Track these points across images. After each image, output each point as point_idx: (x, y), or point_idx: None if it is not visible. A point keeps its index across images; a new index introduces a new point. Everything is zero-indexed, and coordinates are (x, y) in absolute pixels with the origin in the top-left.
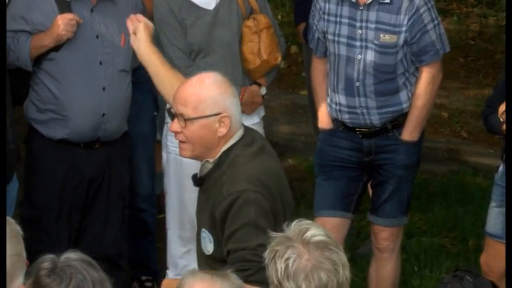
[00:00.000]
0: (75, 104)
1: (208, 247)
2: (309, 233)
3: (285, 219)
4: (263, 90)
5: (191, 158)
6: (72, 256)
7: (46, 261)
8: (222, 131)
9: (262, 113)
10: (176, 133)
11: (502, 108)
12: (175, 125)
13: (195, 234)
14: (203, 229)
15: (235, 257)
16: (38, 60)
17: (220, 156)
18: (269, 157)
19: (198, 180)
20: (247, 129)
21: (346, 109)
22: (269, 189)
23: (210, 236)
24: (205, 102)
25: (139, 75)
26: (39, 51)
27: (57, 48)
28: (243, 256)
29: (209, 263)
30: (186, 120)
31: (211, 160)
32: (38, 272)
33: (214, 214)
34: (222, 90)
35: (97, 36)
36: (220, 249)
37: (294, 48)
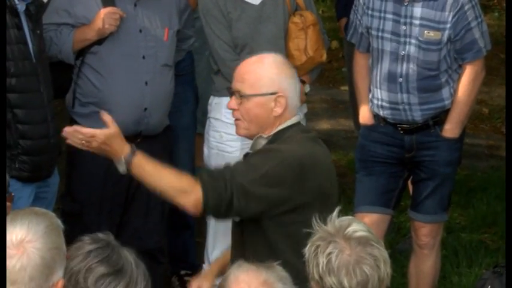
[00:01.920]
0: (117, 97)
1: None
2: (350, 229)
3: (318, 210)
4: (307, 88)
5: (246, 136)
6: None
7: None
8: (278, 110)
9: (305, 110)
10: (233, 110)
11: None
12: (232, 102)
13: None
14: None
15: (223, 171)
16: (81, 53)
17: (275, 134)
18: (320, 148)
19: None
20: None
21: (388, 105)
22: (304, 171)
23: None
24: (262, 81)
25: (180, 68)
26: (82, 44)
27: (100, 41)
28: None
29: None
30: (242, 97)
31: (265, 136)
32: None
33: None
34: (280, 70)
35: (140, 31)
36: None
37: (334, 44)
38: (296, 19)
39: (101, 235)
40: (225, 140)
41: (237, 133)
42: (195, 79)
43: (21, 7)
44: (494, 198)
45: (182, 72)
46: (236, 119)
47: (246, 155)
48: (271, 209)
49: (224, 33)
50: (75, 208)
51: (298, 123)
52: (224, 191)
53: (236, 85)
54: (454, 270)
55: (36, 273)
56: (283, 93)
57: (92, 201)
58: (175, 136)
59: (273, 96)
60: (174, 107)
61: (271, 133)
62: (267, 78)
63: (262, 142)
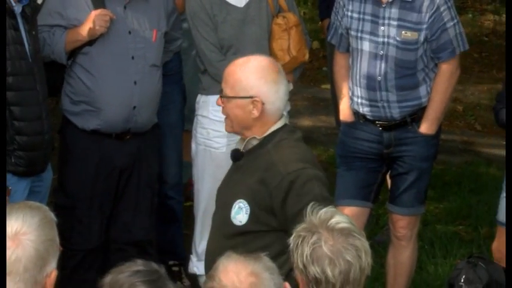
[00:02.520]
0: (108, 96)
1: (242, 218)
2: (333, 220)
3: None
4: (290, 86)
5: (232, 133)
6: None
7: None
8: (255, 113)
9: (288, 108)
10: (222, 108)
11: None
12: (219, 100)
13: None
14: (240, 200)
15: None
16: (73, 53)
17: (266, 136)
18: (306, 146)
19: (237, 154)
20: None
21: (367, 102)
22: (320, 169)
23: (248, 207)
24: (241, 84)
25: (168, 68)
26: (74, 45)
27: (90, 42)
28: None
29: (229, 237)
30: (223, 97)
31: (258, 137)
32: None
33: (267, 191)
34: (260, 75)
35: (129, 32)
36: (257, 225)
37: (315, 44)
38: (279, 20)
39: (154, 264)
40: (212, 137)
41: (225, 129)
42: (183, 79)
43: (17, 9)
44: (468, 191)
45: (170, 72)
46: (225, 117)
47: (233, 151)
48: None
49: (210, 35)
50: (68, 202)
51: (285, 126)
52: None
53: (222, 85)
54: (430, 260)
55: (31, 264)
56: (259, 97)
57: (83, 196)
58: (163, 133)
59: (250, 100)
60: (162, 106)
61: (263, 136)
62: (245, 83)
63: (254, 143)
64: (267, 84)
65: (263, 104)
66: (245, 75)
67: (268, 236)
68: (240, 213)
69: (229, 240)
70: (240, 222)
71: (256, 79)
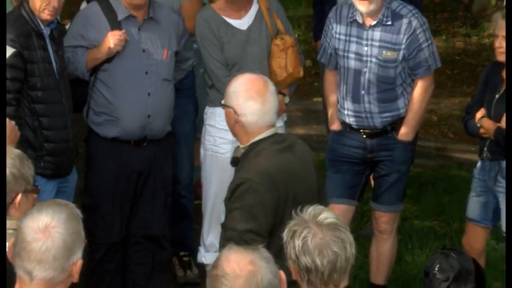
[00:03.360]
0: (125, 107)
1: (222, 217)
2: (321, 216)
3: (293, 208)
4: (286, 99)
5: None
6: None
7: None
8: (238, 125)
9: (285, 118)
10: None
11: (479, 115)
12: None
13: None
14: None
15: (226, 235)
16: (94, 70)
17: (250, 145)
18: (291, 156)
19: (234, 160)
20: (285, 134)
21: (353, 113)
22: (275, 182)
23: (224, 207)
24: (227, 95)
25: (183, 84)
26: (94, 63)
27: (109, 60)
28: (231, 237)
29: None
30: (222, 105)
31: (242, 146)
32: None
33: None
34: (240, 90)
35: (143, 51)
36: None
37: (308, 62)
38: (277, 42)
39: None
40: (218, 143)
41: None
42: (195, 93)
43: (46, 32)
44: (441, 191)
45: (185, 87)
46: None
47: (232, 158)
48: None
49: (217, 54)
50: (92, 202)
51: (273, 135)
52: None
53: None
54: (408, 251)
55: (59, 254)
56: (235, 109)
57: (106, 197)
58: (178, 141)
59: (231, 109)
60: (177, 117)
61: (247, 144)
62: (229, 95)
63: (241, 151)
64: (242, 98)
65: (238, 115)
66: (232, 89)
67: None
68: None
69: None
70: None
71: (235, 92)
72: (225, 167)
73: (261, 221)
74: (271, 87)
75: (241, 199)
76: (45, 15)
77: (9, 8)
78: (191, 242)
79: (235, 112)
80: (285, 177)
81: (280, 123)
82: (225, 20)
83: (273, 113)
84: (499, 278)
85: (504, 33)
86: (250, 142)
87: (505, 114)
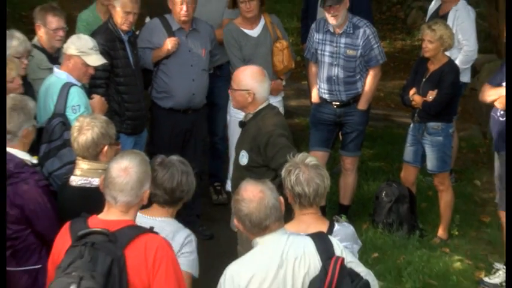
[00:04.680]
0: (177, 88)
1: (244, 161)
2: (307, 160)
3: None
4: (283, 82)
5: (237, 109)
6: (173, 157)
7: (159, 157)
8: (249, 99)
9: (282, 95)
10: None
11: (411, 92)
12: (229, 91)
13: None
14: (242, 150)
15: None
16: (157, 63)
17: (256, 111)
18: (282, 119)
19: (241, 124)
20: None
21: (327, 91)
22: (286, 129)
23: (247, 155)
24: (242, 82)
25: (222, 72)
26: (157, 59)
27: (167, 57)
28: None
29: (241, 170)
30: (231, 89)
31: (251, 112)
32: (153, 163)
33: (255, 143)
34: (253, 77)
35: (189, 50)
36: (253, 163)
37: (298, 58)
38: (277, 44)
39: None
40: (238, 112)
41: (232, 106)
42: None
43: (125, 37)
44: (387, 143)
45: (223, 75)
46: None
47: (240, 122)
48: None
49: (237, 53)
50: (155, 150)
51: (268, 105)
52: None
53: (231, 82)
54: (365, 182)
55: (134, 186)
56: (253, 90)
57: (164, 146)
58: (217, 109)
59: (246, 92)
60: (217, 93)
61: (254, 111)
62: (245, 81)
63: (250, 116)
64: (257, 82)
65: (254, 94)
66: (244, 77)
67: (259, 169)
68: (243, 158)
69: (241, 172)
70: (244, 163)
71: (251, 79)
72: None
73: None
74: (266, 74)
75: (277, 143)
76: (124, 27)
77: (99, 23)
78: (222, 175)
79: (253, 93)
80: (286, 127)
81: (278, 98)
82: (242, 31)
83: (268, 90)
84: (425, 201)
85: (427, 38)
86: (255, 110)
87: (429, 92)
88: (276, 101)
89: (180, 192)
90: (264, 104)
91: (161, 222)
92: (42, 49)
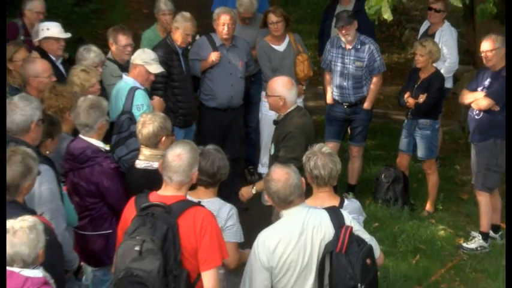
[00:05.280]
0: (220, 92)
1: (272, 151)
2: (323, 149)
3: (310, 143)
4: (304, 87)
5: (272, 110)
6: (210, 147)
7: (198, 149)
8: (280, 103)
9: (303, 97)
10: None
11: (406, 95)
12: (265, 96)
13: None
14: (272, 143)
15: (282, 160)
16: (203, 72)
17: (286, 113)
18: (307, 118)
19: (275, 122)
20: (300, 106)
21: (339, 94)
22: (304, 131)
23: (273, 146)
24: (274, 89)
25: (256, 79)
26: (204, 68)
27: (212, 67)
28: (285, 160)
29: (271, 158)
30: (266, 95)
31: (282, 114)
32: None
33: (279, 138)
34: (284, 85)
35: (229, 62)
36: (277, 153)
37: (315, 68)
38: (299, 57)
39: None
40: (268, 110)
41: (268, 109)
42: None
43: (180, 51)
44: (385, 136)
45: (256, 81)
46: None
47: (274, 120)
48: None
49: (267, 64)
50: (202, 140)
51: (296, 107)
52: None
53: (266, 89)
54: (368, 167)
55: (186, 168)
56: (283, 96)
57: (209, 137)
58: (251, 107)
59: (278, 97)
60: (253, 94)
61: (284, 113)
62: (277, 89)
63: (281, 116)
64: (286, 89)
65: (285, 99)
66: (277, 85)
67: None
68: (272, 149)
69: (271, 159)
70: (271, 152)
71: (282, 87)
72: (271, 123)
73: (298, 152)
74: (294, 83)
75: (288, 141)
76: (180, 43)
77: (159, 39)
78: (255, 160)
79: (284, 98)
80: (307, 129)
81: (300, 100)
82: (271, 46)
83: (296, 96)
84: (415, 182)
85: (419, 52)
86: (286, 112)
87: (420, 95)
88: (299, 102)
89: (219, 175)
90: (293, 107)
91: (207, 203)
92: (114, 61)
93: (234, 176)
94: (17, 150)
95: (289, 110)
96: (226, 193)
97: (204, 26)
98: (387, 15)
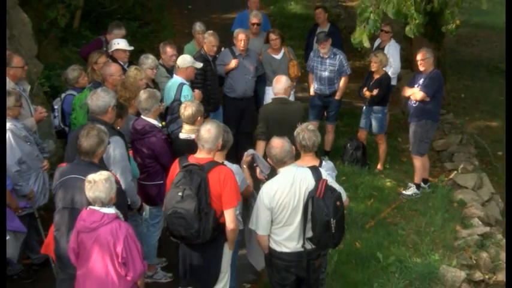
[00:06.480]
0: (237, 86)
1: None
2: (309, 126)
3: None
4: (294, 83)
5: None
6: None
7: None
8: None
9: (294, 90)
10: None
11: (364, 89)
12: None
13: None
14: None
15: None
16: (226, 73)
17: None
18: (282, 105)
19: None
20: (281, 97)
21: (318, 88)
22: (266, 114)
23: None
24: (281, 85)
25: (261, 79)
26: (227, 71)
27: (232, 69)
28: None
29: None
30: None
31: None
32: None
33: None
34: (286, 82)
35: (244, 66)
36: None
37: (302, 71)
38: (291, 63)
39: None
40: (270, 98)
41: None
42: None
43: (210, 59)
44: (350, 117)
45: (262, 79)
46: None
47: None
48: None
49: (269, 68)
50: (226, 120)
51: (276, 98)
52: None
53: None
54: (338, 138)
55: (214, 139)
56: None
57: (230, 117)
58: (258, 97)
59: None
60: (260, 88)
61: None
62: (281, 85)
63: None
64: (288, 85)
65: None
66: (282, 81)
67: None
68: None
69: None
70: None
71: (284, 84)
72: None
73: (260, 128)
74: (287, 79)
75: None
76: (211, 53)
77: (196, 50)
78: None
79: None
80: (273, 114)
81: (292, 92)
82: (271, 55)
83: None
84: (371, 149)
85: (373, 60)
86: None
87: (374, 90)
88: (291, 93)
89: (224, 142)
90: (277, 97)
91: (227, 164)
92: (163, 66)
93: (247, 144)
94: (94, 127)
95: (272, 98)
96: (242, 155)
97: (227, 41)
98: (366, 44)
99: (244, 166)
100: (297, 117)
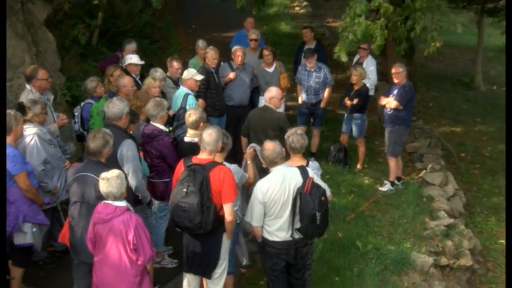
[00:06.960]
0: (235, 96)
1: None
2: (298, 131)
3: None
4: (284, 93)
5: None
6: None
7: None
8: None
9: (284, 99)
10: None
11: (346, 99)
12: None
13: None
14: None
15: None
16: (226, 84)
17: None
18: (262, 113)
19: None
20: (266, 106)
21: (306, 97)
22: (249, 120)
23: None
24: (273, 95)
25: (256, 89)
26: (226, 82)
27: (231, 81)
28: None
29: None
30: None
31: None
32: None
33: None
34: (279, 94)
35: (241, 78)
36: None
37: (292, 82)
38: (281, 76)
39: None
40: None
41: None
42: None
43: (213, 71)
44: (333, 124)
45: (257, 90)
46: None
47: None
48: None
49: (262, 80)
50: (227, 125)
51: (263, 106)
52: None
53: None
54: (323, 142)
55: (214, 142)
56: (278, 98)
57: (229, 123)
58: (253, 105)
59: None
60: (255, 97)
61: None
62: (269, 95)
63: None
64: (274, 95)
65: (279, 100)
66: (270, 91)
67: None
68: None
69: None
70: None
71: (277, 94)
72: None
73: (244, 130)
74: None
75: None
76: (212, 65)
77: (199, 64)
78: None
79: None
80: (255, 120)
81: (282, 101)
82: (265, 69)
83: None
84: (351, 151)
85: (353, 73)
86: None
87: (354, 99)
88: (282, 102)
89: (224, 145)
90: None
91: (226, 164)
92: (170, 78)
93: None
94: (100, 130)
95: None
96: (240, 157)
97: (226, 56)
98: (344, 59)
99: (248, 161)
100: (272, 125)
